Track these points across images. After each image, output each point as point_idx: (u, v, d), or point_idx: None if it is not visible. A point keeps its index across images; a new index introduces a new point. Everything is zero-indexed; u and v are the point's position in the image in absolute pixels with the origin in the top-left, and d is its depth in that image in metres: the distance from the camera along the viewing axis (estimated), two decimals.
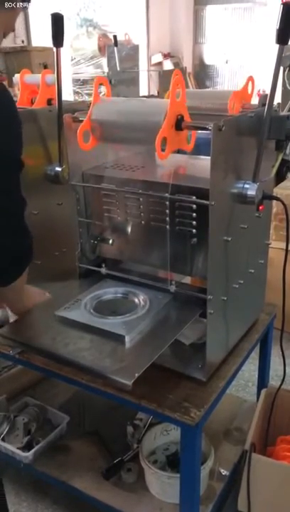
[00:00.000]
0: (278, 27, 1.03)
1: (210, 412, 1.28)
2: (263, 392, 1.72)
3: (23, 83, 1.63)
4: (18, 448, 1.69)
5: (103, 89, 1.38)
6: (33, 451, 1.67)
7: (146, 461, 1.55)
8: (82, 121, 1.26)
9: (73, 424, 1.81)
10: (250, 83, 1.34)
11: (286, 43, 1.05)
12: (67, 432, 1.79)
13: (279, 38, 1.05)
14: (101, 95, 1.30)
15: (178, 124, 1.16)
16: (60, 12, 1.35)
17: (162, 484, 1.54)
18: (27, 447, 1.71)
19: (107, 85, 1.38)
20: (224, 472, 1.63)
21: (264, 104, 1.19)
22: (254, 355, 1.70)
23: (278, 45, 1.07)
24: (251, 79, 1.34)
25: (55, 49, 1.37)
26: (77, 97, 5.76)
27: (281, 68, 4.45)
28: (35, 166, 1.49)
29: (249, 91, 1.34)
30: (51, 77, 1.53)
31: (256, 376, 1.88)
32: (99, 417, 1.88)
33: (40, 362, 1.41)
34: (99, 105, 1.27)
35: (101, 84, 1.30)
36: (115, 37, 4.90)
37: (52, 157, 1.50)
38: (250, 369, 2.36)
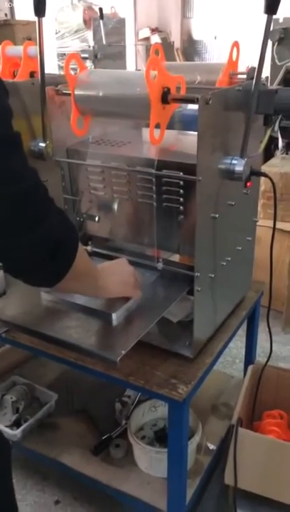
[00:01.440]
0: None
1: (197, 387, 1.29)
2: (250, 368, 1.74)
3: (5, 55, 1.57)
4: (6, 426, 1.70)
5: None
6: (21, 428, 1.68)
7: (134, 437, 1.57)
8: (65, 94, 1.22)
9: (62, 402, 1.82)
10: (235, 49, 1.28)
11: (275, 13, 1.02)
12: (55, 410, 1.80)
13: (268, 8, 1.02)
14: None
15: (164, 98, 1.13)
16: None
17: (150, 459, 1.56)
18: (15, 425, 1.71)
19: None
20: (211, 446, 1.66)
21: (252, 78, 1.17)
22: (242, 333, 1.71)
23: (266, 16, 1.04)
24: (236, 44, 1.28)
25: (36, 19, 1.32)
26: (62, 72, 5.61)
27: (270, 43, 4.38)
28: None
29: (234, 58, 1.30)
30: (34, 49, 1.48)
31: (244, 353, 1.90)
32: (88, 395, 1.89)
33: (26, 340, 1.40)
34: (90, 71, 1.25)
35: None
36: (101, 9, 4.78)
37: (35, 132, 1.46)
38: (237, 346, 2.39)
